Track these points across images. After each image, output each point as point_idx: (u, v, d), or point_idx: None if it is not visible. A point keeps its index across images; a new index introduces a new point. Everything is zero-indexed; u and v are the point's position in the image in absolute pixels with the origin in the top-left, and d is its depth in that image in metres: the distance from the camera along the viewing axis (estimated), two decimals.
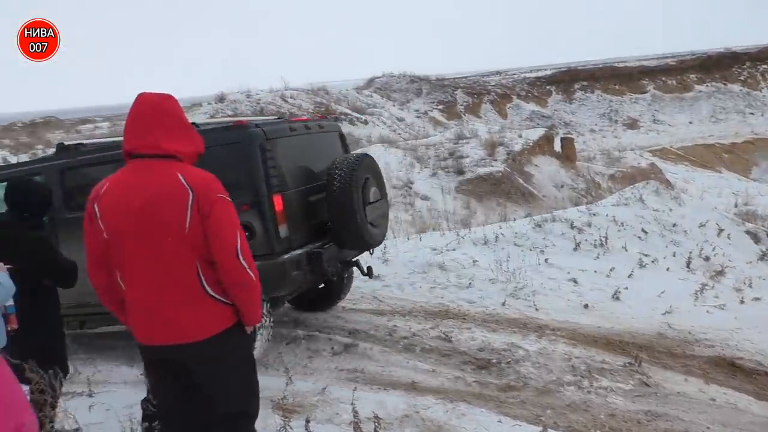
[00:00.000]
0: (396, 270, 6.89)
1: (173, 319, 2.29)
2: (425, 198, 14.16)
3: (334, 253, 4.88)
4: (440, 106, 36.31)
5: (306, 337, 5.21)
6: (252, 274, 2.34)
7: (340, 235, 4.86)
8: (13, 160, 23.21)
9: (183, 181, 2.24)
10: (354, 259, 5.48)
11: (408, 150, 17.15)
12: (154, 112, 2.31)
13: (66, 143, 5.35)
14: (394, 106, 34.46)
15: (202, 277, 2.29)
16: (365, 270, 5.62)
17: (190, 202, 2.22)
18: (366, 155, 5.22)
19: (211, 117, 21.10)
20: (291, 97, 27.79)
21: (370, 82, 40.02)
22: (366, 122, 28.17)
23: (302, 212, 4.79)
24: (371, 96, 35.30)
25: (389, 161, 16.10)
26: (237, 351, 2.47)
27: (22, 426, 2.67)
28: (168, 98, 2.38)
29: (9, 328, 2.76)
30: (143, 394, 3.82)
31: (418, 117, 33.78)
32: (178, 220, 2.22)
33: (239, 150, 4.50)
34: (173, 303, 2.28)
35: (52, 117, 39.30)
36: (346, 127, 26.49)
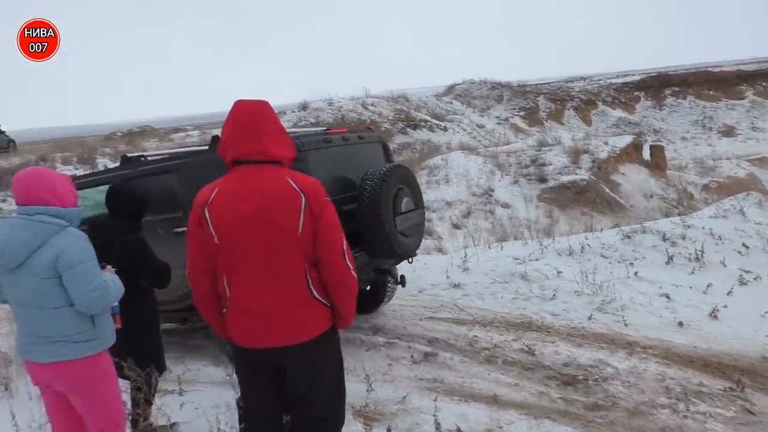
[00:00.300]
0: (477, 279, 6.76)
1: (283, 321, 2.35)
2: (506, 206, 13.90)
3: (365, 261, 4.87)
4: (522, 113, 35.67)
5: (386, 345, 5.19)
6: (355, 276, 2.43)
7: (370, 244, 4.85)
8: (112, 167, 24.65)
9: (294, 185, 2.32)
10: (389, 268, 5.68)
11: (488, 157, 16.92)
12: (258, 119, 2.37)
13: (128, 155, 5.68)
14: (474, 112, 34.17)
15: (309, 280, 2.36)
16: (398, 279, 5.87)
17: (303, 205, 2.30)
18: (399, 166, 5.20)
19: (294, 125, 21.63)
20: (372, 105, 28.10)
21: (450, 88, 39.90)
22: (445, 129, 28.06)
23: None
24: (451, 103, 35.18)
25: (469, 168, 15.96)
26: (332, 353, 2.54)
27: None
28: (267, 104, 2.44)
29: (117, 327, 2.90)
30: (230, 394, 3.92)
31: (498, 124, 33.33)
32: (292, 224, 2.29)
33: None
34: (284, 306, 2.33)
35: (147, 126, 41.54)
36: (425, 134, 26.56)
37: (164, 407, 3.84)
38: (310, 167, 4.54)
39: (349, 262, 2.41)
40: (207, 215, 2.34)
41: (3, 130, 32.06)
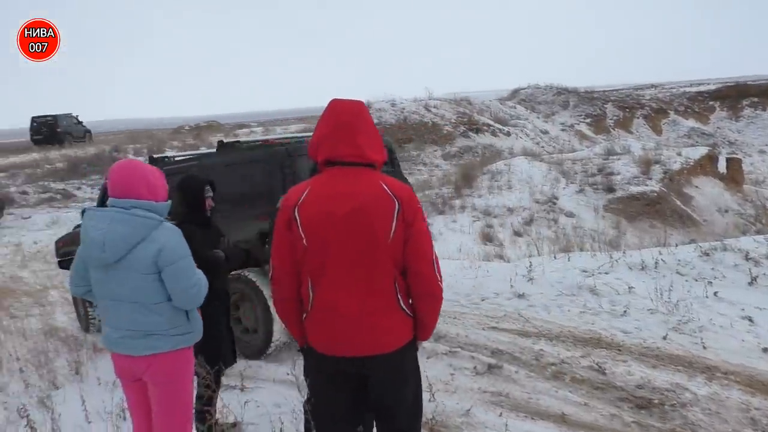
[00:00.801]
0: (542, 290, 6.53)
1: (373, 327, 2.28)
2: (570, 215, 13.49)
3: None
4: (588, 120, 34.70)
5: (448, 353, 5.06)
6: (441, 286, 2.38)
7: None
8: None
9: (388, 190, 2.26)
10: None
11: (553, 164, 16.48)
12: (356, 120, 2.32)
13: (155, 156, 6.19)
14: (538, 118, 33.48)
15: (397, 287, 2.30)
16: None
17: (396, 211, 2.24)
18: (391, 172, 5.61)
19: None
20: (434, 107, 27.90)
21: (515, 93, 39.24)
22: (508, 134, 27.59)
23: None
24: (515, 107, 34.58)
25: (533, 175, 15.59)
26: (413, 364, 2.48)
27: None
28: (363, 105, 2.40)
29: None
30: (292, 394, 3.88)
31: (563, 130, 32.53)
32: (385, 229, 2.23)
33: (263, 166, 5.19)
34: (374, 311, 2.27)
35: (214, 121, 42.66)
36: (487, 139, 26.17)
37: (227, 404, 3.84)
38: (299, 171, 5.06)
39: (437, 272, 2.34)
40: (297, 216, 2.29)
41: (80, 120, 33.61)
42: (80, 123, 33.37)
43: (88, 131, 33.73)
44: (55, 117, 31.73)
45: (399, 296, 2.31)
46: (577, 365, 4.78)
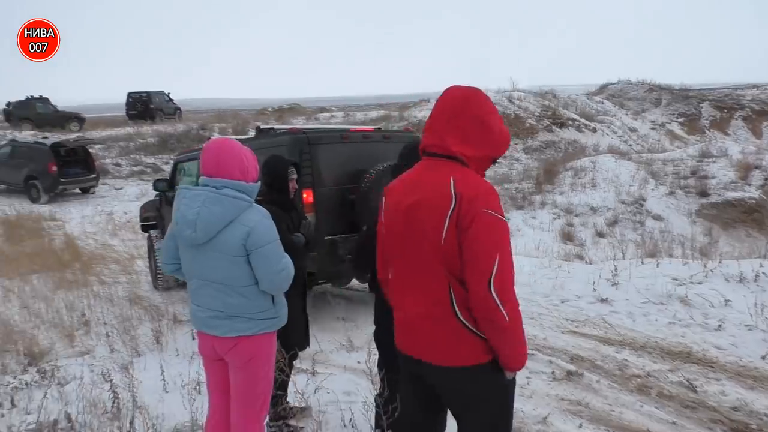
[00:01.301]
0: (627, 296, 6.20)
1: (428, 333, 2.12)
2: (658, 218, 12.82)
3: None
4: (681, 119, 32.92)
5: None
6: (504, 313, 1.95)
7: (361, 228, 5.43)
8: None
9: (452, 187, 2.01)
10: None
11: (642, 164, 15.71)
12: (451, 109, 2.12)
13: (262, 126, 6.62)
14: (627, 114, 32.09)
15: (454, 298, 2.04)
16: None
17: (450, 211, 1.98)
18: (403, 165, 5.54)
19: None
20: (518, 99, 27.25)
21: (603, 88, 37.79)
22: (594, 130, 26.60)
23: (339, 206, 5.63)
24: (602, 102, 33.29)
25: (619, 174, 14.92)
26: (487, 393, 2.13)
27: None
28: (471, 95, 2.13)
29: None
30: (363, 384, 3.82)
31: (653, 128, 31.02)
32: (436, 229, 2.02)
33: (285, 152, 5.38)
34: (424, 316, 2.11)
35: (296, 104, 43.45)
36: (571, 134, 25.33)
37: (299, 388, 3.83)
38: (317, 158, 5.57)
39: (496, 295, 1.94)
40: (384, 202, 2.30)
41: (171, 98, 35.04)
42: (171, 100, 34.77)
43: (179, 109, 35.10)
44: (148, 94, 33.21)
45: (456, 308, 2.04)
46: (664, 379, 4.48)
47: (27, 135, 22.73)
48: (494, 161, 2.20)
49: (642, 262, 7.32)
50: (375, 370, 3.31)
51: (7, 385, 4.80)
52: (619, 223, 12.51)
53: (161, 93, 34.43)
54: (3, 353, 5.56)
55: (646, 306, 5.96)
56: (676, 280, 6.45)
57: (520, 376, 4.47)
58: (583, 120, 27.30)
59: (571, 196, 13.88)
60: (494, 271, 1.94)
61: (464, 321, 2.03)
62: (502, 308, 1.95)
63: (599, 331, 5.51)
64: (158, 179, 8.17)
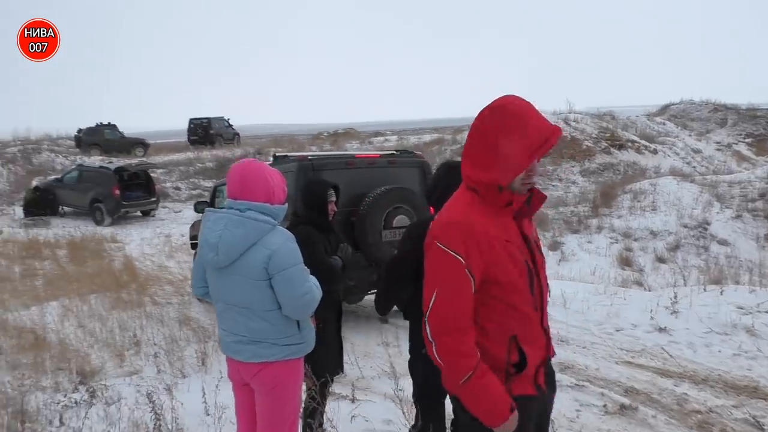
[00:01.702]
0: (688, 325, 5.86)
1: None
2: (724, 243, 12.19)
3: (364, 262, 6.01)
4: (748, 140, 31.46)
5: (574, 386, 4.65)
6: (434, 351, 1.88)
7: (362, 250, 5.99)
8: None
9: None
10: None
11: (706, 186, 15.03)
12: (474, 123, 1.94)
13: (278, 154, 6.89)
14: (690, 135, 30.92)
15: None
16: None
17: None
18: (400, 189, 6.20)
19: None
20: (574, 121, 26.70)
21: (664, 108, 36.63)
22: (655, 151, 25.74)
23: (342, 228, 5.90)
24: (664, 123, 32.22)
25: (681, 196, 14.31)
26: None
27: None
28: (492, 108, 1.89)
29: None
30: (401, 412, 3.71)
31: (718, 150, 29.75)
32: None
33: (292, 177, 5.77)
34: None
35: (351, 128, 43.99)
36: (631, 156, 24.57)
37: (335, 414, 3.74)
38: None
39: (428, 331, 1.89)
40: None
41: (231, 124, 36.07)
42: (230, 126, 35.79)
43: (237, 134, 36.07)
44: (209, 120, 34.31)
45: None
46: (728, 416, 4.17)
47: (95, 160, 23.80)
48: (501, 190, 1.87)
49: (704, 289, 6.93)
50: (410, 398, 3.20)
51: (58, 403, 4.91)
52: (681, 247, 11.96)
53: (221, 119, 35.49)
54: (57, 371, 5.71)
55: (708, 336, 5.62)
56: (742, 308, 6.07)
57: (569, 409, 4.27)
58: (643, 141, 26.47)
59: (629, 220, 13.39)
60: (430, 307, 1.88)
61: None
62: (434, 348, 1.88)
63: (657, 362, 5.21)
64: (199, 201, 8.45)
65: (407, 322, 3.22)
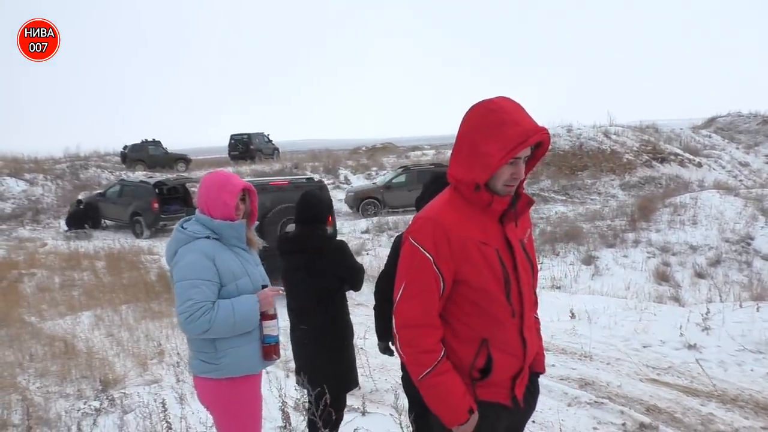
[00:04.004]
0: (719, 342, 5.61)
1: None
2: (767, 258, 11.68)
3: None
4: None
5: (593, 404, 4.48)
6: (398, 345, 1.91)
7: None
8: (353, 179, 26.59)
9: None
10: None
11: (751, 200, 14.47)
12: (461, 124, 1.91)
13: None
14: (737, 149, 29.91)
15: None
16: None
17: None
18: (293, 206, 7.23)
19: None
20: (615, 134, 26.19)
21: (710, 121, 35.59)
22: (700, 165, 24.98)
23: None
24: (710, 137, 31.28)
25: (724, 210, 13.82)
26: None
27: None
28: (477, 107, 1.86)
29: (272, 359, 2.73)
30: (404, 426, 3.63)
31: (766, 163, 28.72)
32: None
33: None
34: None
35: (389, 143, 44.11)
36: (674, 169, 23.91)
37: (341, 427, 3.69)
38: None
39: (393, 322, 1.91)
40: None
41: (270, 139, 36.65)
42: (270, 141, 36.35)
43: (276, 149, 36.61)
44: (249, 135, 34.94)
45: None
46: None
47: (138, 175, 24.47)
48: (477, 188, 1.83)
49: (740, 306, 6.63)
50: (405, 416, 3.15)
51: (78, 411, 5.00)
52: (722, 263, 11.50)
53: (261, 134, 36.09)
54: (81, 379, 5.83)
55: (740, 354, 5.36)
56: None
57: (586, 426, 4.12)
58: (686, 155, 25.75)
59: (668, 234, 12.97)
60: (396, 300, 1.89)
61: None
62: (397, 339, 1.90)
63: (684, 381, 4.99)
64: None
65: None
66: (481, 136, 1.80)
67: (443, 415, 1.87)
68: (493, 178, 1.83)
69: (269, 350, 2.64)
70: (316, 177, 12.90)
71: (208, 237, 2.53)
